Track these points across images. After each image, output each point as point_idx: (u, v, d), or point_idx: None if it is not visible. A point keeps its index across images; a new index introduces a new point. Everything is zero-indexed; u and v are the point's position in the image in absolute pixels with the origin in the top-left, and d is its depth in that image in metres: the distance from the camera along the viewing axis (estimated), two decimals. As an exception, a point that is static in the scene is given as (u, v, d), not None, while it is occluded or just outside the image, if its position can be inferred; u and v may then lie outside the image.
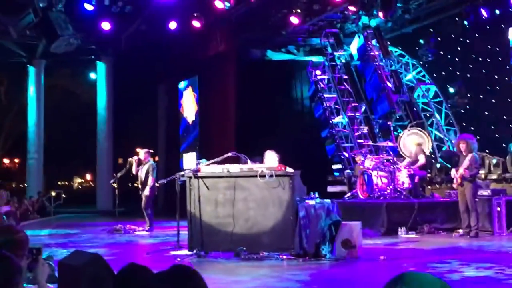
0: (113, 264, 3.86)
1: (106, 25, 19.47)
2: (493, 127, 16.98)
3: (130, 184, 28.30)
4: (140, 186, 14.58)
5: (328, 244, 8.89)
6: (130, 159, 14.78)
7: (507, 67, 16.55)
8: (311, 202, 9.01)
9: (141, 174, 14.42)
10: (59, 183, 42.19)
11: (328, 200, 9.42)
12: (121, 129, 26.93)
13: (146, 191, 14.25)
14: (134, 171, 14.57)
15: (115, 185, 15.80)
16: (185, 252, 9.41)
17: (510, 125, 16.41)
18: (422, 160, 14.64)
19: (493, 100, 17.26)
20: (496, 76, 17.15)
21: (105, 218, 20.28)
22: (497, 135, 16.72)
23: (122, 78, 25.27)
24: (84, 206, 27.53)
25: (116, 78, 25.50)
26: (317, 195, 9.27)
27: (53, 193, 25.50)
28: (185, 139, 24.82)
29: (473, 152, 11.94)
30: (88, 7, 16.58)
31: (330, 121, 20.17)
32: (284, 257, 8.67)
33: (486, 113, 17.42)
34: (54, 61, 25.01)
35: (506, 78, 16.68)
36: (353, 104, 19.63)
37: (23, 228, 14.08)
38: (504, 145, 15.46)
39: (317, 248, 8.82)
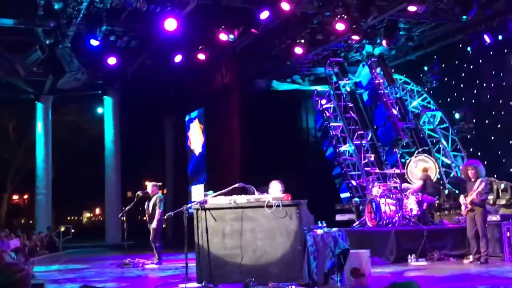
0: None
1: (112, 60, 19.65)
2: (499, 152, 16.95)
3: (139, 218, 28.32)
4: (147, 219, 14.61)
5: (337, 273, 8.84)
6: (138, 192, 14.83)
7: (511, 91, 16.60)
8: (319, 231, 8.98)
9: (149, 207, 14.47)
10: (68, 218, 42.24)
11: (336, 229, 9.39)
12: (129, 162, 27.04)
13: (153, 224, 14.28)
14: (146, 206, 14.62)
15: (123, 218, 15.80)
16: (194, 284, 9.38)
17: (516, 150, 16.41)
18: (418, 184, 14.65)
19: (499, 125, 17.26)
20: (501, 101, 17.17)
21: (114, 252, 20.24)
22: (504, 160, 16.69)
23: (129, 112, 25.46)
24: (93, 240, 27.53)
25: (123, 112, 25.67)
26: (324, 224, 9.25)
27: (62, 228, 25.54)
28: (195, 178, 24.60)
29: (481, 177, 11.93)
30: (94, 42, 16.72)
31: (337, 150, 20.18)
32: (294, 287, 8.63)
33: (492, 138, 17.41)
34: (61, 97, 25.25)
35: (511, 103, 16.70)
36: (359, 132, 19.67)
37: (32, 264, 14.07)
38: (511, 169, 15.43)
39: (326, 278, 8.78)
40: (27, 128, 27.75)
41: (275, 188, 9.96)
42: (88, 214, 49.29)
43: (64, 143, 29.42)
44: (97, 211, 46.17)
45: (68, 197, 34.91)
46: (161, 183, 16.08)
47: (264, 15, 15.75)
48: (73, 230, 27.14)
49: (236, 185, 9.75)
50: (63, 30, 16.45)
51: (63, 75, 16.89)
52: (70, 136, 30.99)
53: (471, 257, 12.06)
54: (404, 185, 14.79)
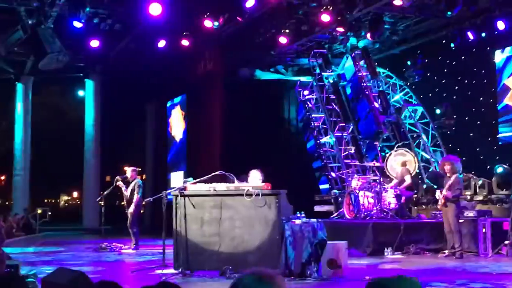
0: (96, 282, 3.85)
1: (95, 43, 19.47)
2: (478, 149, 17.09)
3: (117, 202, 28.21)
4: (126, 204, 14.57)
5: (313, 264, 8.88)
6: (117, 177, 14.77)
7: (492, 89, 16.72)
8: (297, 221, 9.01)
9: (127, 192, 14.42)
10: (45, 200, 41.92)
11: (314, 220, 9.42)
12: (109, 147, 26.84)
13: (131, 209, 14.27)
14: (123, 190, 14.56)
15: (101, 203, 15.74)
16: (170, 270, 9.39)
17: (495, 147, 16.53)
18: (408, 180, 14.70)
19: (478, 122, 17.39)
20: (481, 98, 17.30)
21: (91, 236, 20.16)
22: (482, 157, 16.84)
23: (110, 96, 25.24)
24: (70, 224, 27.37)
25: (104, 96, 25.48)
26: (303, 215, 9.27)
27: (39, 211, 25.34)
28: (175, 165, 24.47)
29: (457, 173, 12.02)
30: (77, 24, 16.56)
31: (318, 141, 20.21)
32: (270, 276, 8.63)
33: (471, 134, 17.55)
34: (42, 78, 24.93)
35: (491, 100, 16.84)
36: (340, 124, 19.70)
37: (7, 245, 13.94)
38: (489, 166, 15.56)
39: (302, 268, 8.82)
40: (6, 108, 27.42)
41: (255, 177, 9.98)
42: (65, 197, 49.01)
43: (44, 125, 29.11)
44: (75, 194, 45.91)
45: (46, 180, 34.62)
46: (140, 169, 15.99)
47: (250, 3, 15.69)
48: (50, 213, 26.94)
49: (216, 172, 9.75)
50: (46, 10, 16.27)
51: (45, 56, 16.71)
52: (50, 118, 30.68)
53: (446, 251, 12.17)
54: (395, 183, 14.87)
